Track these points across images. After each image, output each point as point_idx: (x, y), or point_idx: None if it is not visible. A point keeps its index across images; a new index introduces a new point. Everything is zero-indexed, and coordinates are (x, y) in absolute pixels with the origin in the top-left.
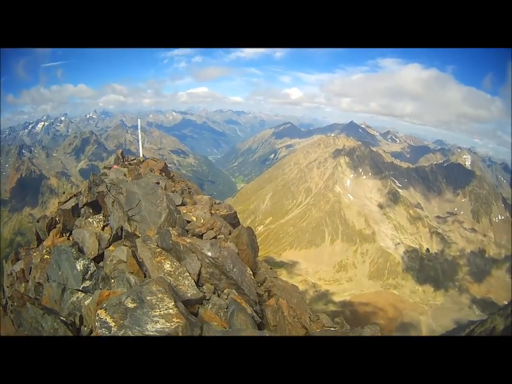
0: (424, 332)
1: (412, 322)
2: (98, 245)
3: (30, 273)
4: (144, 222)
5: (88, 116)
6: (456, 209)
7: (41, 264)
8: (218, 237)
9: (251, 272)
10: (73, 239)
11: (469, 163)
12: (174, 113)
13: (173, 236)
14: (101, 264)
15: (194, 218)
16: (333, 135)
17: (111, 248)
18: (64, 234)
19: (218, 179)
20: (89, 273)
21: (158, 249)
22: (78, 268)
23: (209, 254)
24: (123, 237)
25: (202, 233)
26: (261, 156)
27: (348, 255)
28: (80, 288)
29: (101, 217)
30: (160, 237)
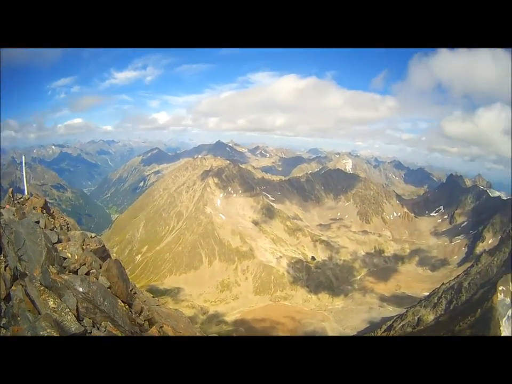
0: None
1: (316, 329)
2: (5, 285)
3: None
4: (31, 261)
5: None
6: (339, 214)
7: None
8: (91, 271)
9: (123, 304)
10: None
11: (350, 167)
12: (53, 146)
13: (51, 273)
14: (10, 303)
15: (69, 255)
16: (200, 156)
17: (13, 287)
18: None
19: (95, 212)
20: (2, 312)
21: (42, 288)
22: None
23: (81, 289)
24: (18, 276)
25: (77, 269)
26: (131, 185)
27: (229, 274)
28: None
29: (2, 257)
30: (42, 275)
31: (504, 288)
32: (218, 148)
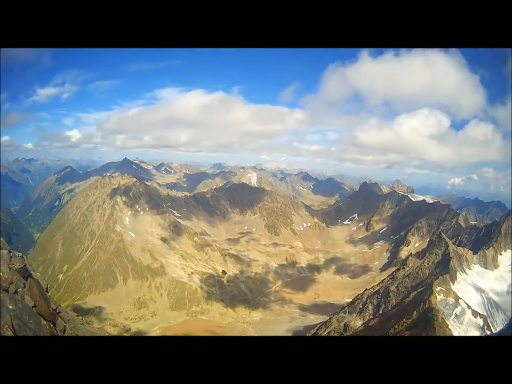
0: None
1: None
2: None
3: None
4: None
5: None
6: (246, 228)
7: None
8: (18, 290)
9: (46, 322)
10: None
11: (255, 180)
12: None
13: None
14: None
15: (1, 273)
16: (108, 174)
17: None
18: None
19: (20, 231)
20: None
21: None
22: None
23: (10, 307)
24: None
25: (8, 288)
26: (48, 204)
27: (144, 291)
28: None
29: None
30: None
31: (443, 289)
32: (125, 166)
